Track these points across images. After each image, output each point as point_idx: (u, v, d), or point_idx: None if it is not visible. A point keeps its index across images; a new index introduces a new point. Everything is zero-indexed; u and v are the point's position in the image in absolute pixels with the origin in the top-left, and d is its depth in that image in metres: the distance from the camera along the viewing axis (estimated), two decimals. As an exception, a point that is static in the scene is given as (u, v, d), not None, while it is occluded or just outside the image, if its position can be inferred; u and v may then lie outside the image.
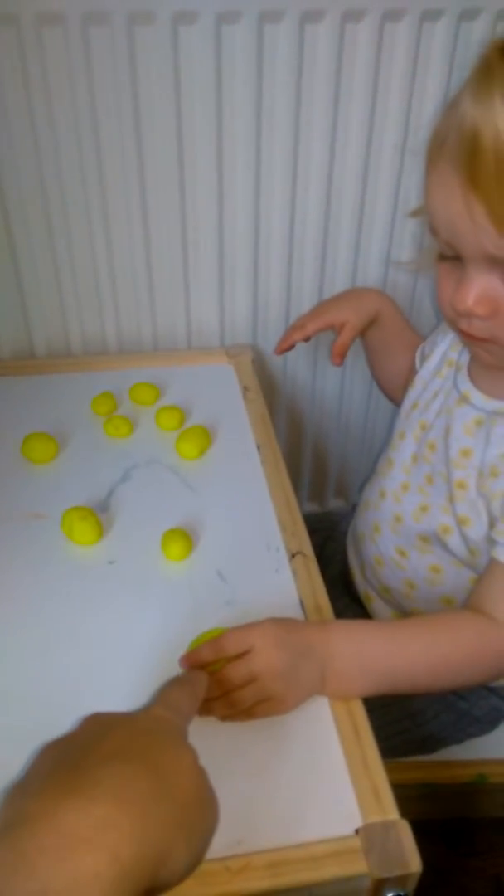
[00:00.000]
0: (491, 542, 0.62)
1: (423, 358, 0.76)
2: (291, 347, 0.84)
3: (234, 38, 0.77)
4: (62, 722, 0.52)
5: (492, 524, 0.63)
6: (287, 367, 1.05)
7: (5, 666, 0.57)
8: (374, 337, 0.85)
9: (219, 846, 0.45)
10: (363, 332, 0.84)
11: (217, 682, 0.52)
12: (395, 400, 0.86)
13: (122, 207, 0.86)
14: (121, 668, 0.57)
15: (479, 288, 0.54)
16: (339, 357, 0.81)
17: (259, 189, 0.88)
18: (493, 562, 0.61)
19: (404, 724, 0.74)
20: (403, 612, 0.75)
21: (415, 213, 0.79)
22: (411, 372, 0.78)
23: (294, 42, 0.78)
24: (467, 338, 0.59)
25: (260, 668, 0.52)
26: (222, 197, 0.88)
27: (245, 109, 0.82)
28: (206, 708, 0.51)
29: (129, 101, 0.79)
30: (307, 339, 0.84)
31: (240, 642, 0.53)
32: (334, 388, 1.09)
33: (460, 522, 0.66)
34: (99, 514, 0.68)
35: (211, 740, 0.51)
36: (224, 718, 0.53)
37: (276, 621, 0.54)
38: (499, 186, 0.47)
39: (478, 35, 0.82)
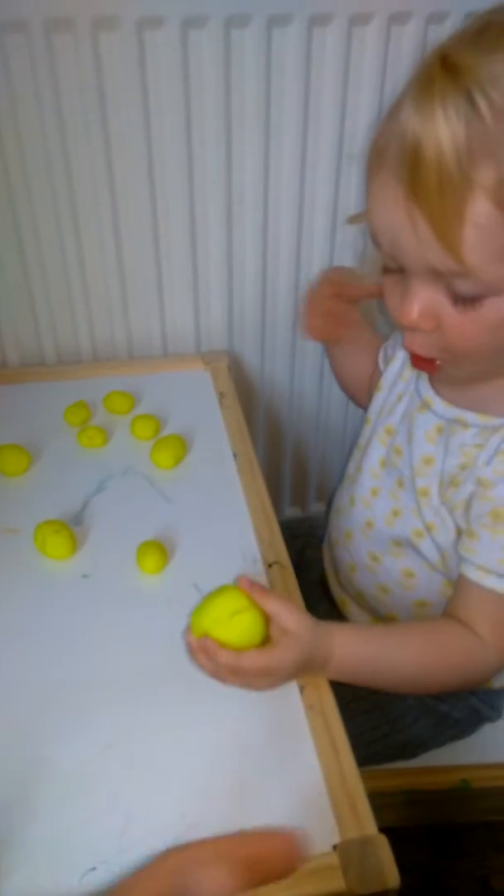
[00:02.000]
0: (459, 555, 0.62)
1: (387, 359, 0.75)
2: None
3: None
4: (33, 739, 0.52)
5: (458, 533, 0.63)
6: (265, 372, 1.04)
7: (-23, 686, 0.56)
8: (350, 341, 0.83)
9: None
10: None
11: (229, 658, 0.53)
12: (361, 403, 0.84)
13: (93, 213, 0.85)
14: (95, 683, 0.56)
15: (423, 301, 0.52)
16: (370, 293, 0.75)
17: (231, 193, 0.87)
18: (462, 578, 0.61)
19: (384, 729, 0.73)
20: (379, 617, 0.75)
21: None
22: (375, 374, 0.78)
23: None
24: (414, 361, 0.59)
25: (275, 665, 0.54)
26: (193, 202, 0.87)
27: (214, 114, 0.81)
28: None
29: (95, 104, 0.78)
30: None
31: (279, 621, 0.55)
32: (312, 391, 1.08)
33: (427, 528, 0.65)
34: (73, 527, 0.68)
35: (187, 758, 0.51)
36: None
37: (309, 626, 0.56)
38: (441, 200, 0.46)
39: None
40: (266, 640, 0.55)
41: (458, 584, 0.62)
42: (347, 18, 0.78)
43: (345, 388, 0.89)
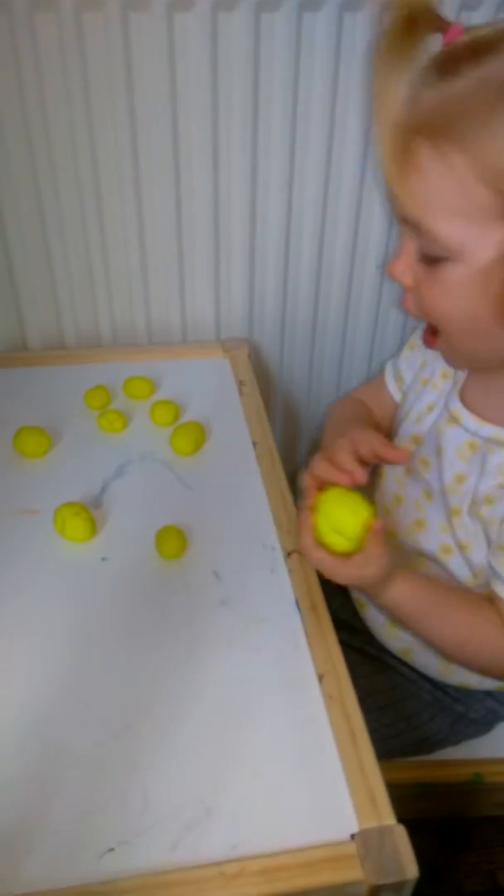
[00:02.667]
0: (492, 571, 0.61)
1: (400, 377, 0.77)
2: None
3: (231, 25, 0.76)
4: (52, 721, 0.52)
5: (491, 550, 0.62)
6: (283, 362, 1.04)
7: (-4, 665, 0.56)
8: None
9: (214, 851, 0.45)
10: None
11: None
12: None
13: (117, 198, 0.85)
14: (113, 666, 0.56)
15: (405, 256, 0.55)
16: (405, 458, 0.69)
17: (256, 181, 0.87)
18: (495, 595, 0.61)
19: (400, 726, 0.73)
20: (396, 623, 0.74)
21: None
22: (386, 401, 0.79)
23: (292, 31, 0.77)
24: (423, 336, 0.63)
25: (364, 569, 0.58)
26: (218, 188, 0.86)
27: (242, 100, 0.80)
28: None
29: (123, 89, 0.77)
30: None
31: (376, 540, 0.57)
32: (330, 382, 1.08)
33: (460, 547, 0.64)
34: (92, 510, 0.67)
35: (205, 743, 0.51)
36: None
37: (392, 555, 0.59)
38: (393, 145, 0.50)
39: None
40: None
41: (493, 602, 0.61)
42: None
43: None
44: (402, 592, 0.60)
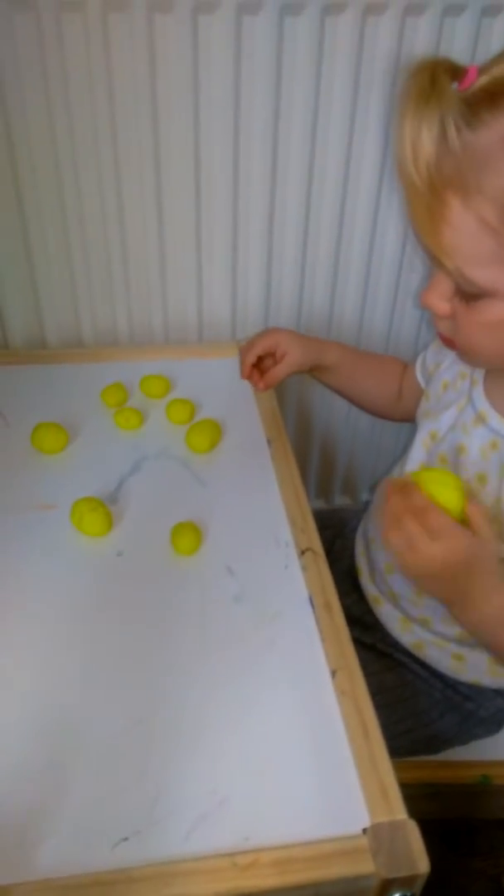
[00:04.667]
0: None
1: (426, 368, 0.77)
2: (254, 367, 0.85)
3: (255, 28, 0.76)
4: (66, 712, 0.53)
5: None
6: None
7: (12, 656, 0.57)
8: (339, 384, 0.88)
9: (226, 841, 0.45)
10: (322, 379, 0.88)
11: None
12: (390, 417, 0.90)
13: (137, 198, 0.86)
14: (127, 658, 0.56)
15: (439, 288, 0.57)
16: (266, 385, 0.84)
17: (274, 182, 0.88)
18: None
19: (409, 723, 0.73)
20: (411, 618, 0.74)
21: None
22: (411, 385, 0.81)
23: (314, 34, 0.78)
24: (443, 341, 0.62)
25: (451, 532, 0.54)
26: (237, 189, 0.87)
27: (262, 101, 0.81)
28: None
29: (147, 90, 0.78)
30: (258, 360, 0.85)
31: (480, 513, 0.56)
32: (344, 384, 1.08)
33: None
34: (108, 506, 0.68)
35: (218, 735, 0.51)
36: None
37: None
38: (421, 199, 0.51)
39: (500, 31, 0.81)
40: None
41: None
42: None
43: (367, 410, 0.92)
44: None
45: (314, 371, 0.87)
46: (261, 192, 0.88)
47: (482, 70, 0.50)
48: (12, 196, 0.83)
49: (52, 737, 0.51)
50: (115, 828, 0.46)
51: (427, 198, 0.51)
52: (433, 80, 0.49)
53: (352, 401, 0.91)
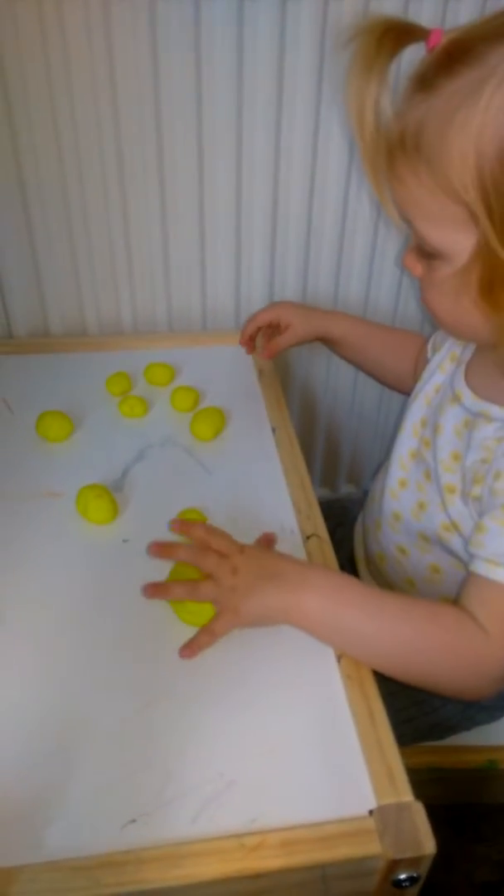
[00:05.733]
0: (469, 552, 0.59)
1: (435, 349, 0.76)
2: (253, 338, 0.88)
3: (257, 13, 0.76)
4: (74, 697, 0.53)
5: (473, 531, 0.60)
6: (302, 350, 1.04)
7: (20, 642, 0.57)
8: (351, 356, 0.89)
9: (233, 823, 0.45)
10: (334, 350, 0.90)
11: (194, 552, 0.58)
12: (404, 391, 0.87)
13: (140, 186, 0.86)
14: (134, 644, 0.57)
15: (413, 249, 0.58)
16: (270, 353, 0.86)
17: (277, 170, 0.87)
18: (470, 574, 0.58)
19: (411, 712, 0.73)
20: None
21: None
22: (413, 364, 0.81)
23: (317, 18, 0.77)
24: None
25: (237, 562, 0.56)
26: (240, 177, 0.87)
27: (265, 85, 0.81)
28: (164, 589, 0.57)
29: (149, 77, 0.78)
30: (258, 331, 0.88)
31: (221, 538, 0.58)
32: (348, 372, 1.08)
33: (455, 526, 0.64)
34: (114, 493, 0.68)
35: (226, 719, 0.51)
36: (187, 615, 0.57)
37: (258, 545, 0.60)
38: (374, 155, 0.53)
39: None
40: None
41: (465, 580, 0.59)
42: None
43: (387, 384, 0.91)
44: (321, 576, 0.57)
45: (325, 343, 0.88)
46: (264, 178, 0.88)
47: (448, 33, 0.49)
48: (15, 186, 0.83)
49: (59, 721, 0.52)
50: (123, 810, 0.47)
51: (380, 153, 0.53)
52: (379, 45, 0.49)
53: (367, 372, 0.92)
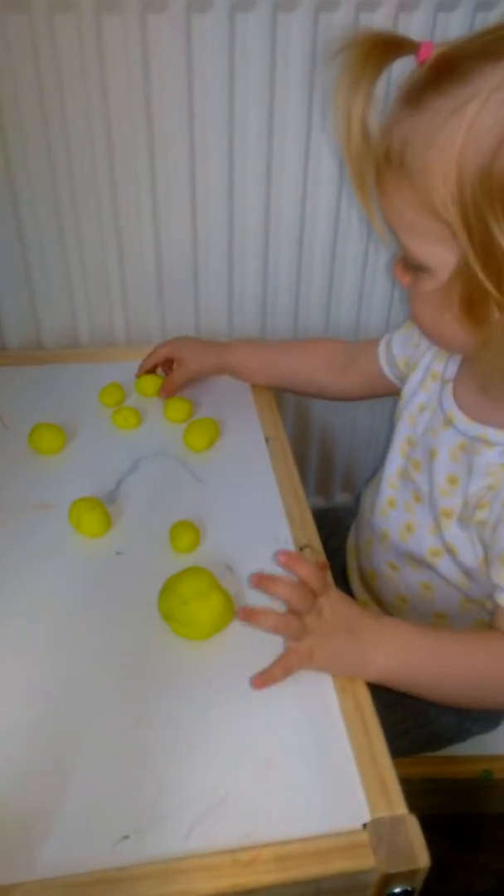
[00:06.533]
0: (494, 587, 0.60)
1: (392, 355, 0.77)
2: (151, 372, 0.86)
3: (248, 26, 0.76)
4: (66, 712, 0.53)
5: (487, 559, 0.61)
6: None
7: (12, 656, 0.57)
8: (264, 379, 0.87)
9: (227, 838, 0.45)
10: (244, 380, 0.87)
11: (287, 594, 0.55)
12: (338, 398, 0.88)
13: (133, 198, 0.86)
14: (127, 658, 0.56)
15: (401, 260, 0.58)
16: (165, 393, 0.84)
17: (270, 181, 0.88)
18: (499, 608, 0.59)
19: (407, 724, 0.73)
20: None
21: None
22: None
23: (308, 31, 0.78)
24: None
25: (323, 604, 0.54)
26: (233, 189, 0.87)
27: (258, 97, 0.81)
28: (254, 615, 0.54)
29: (141, 90, 0.78)
30: (155, 367, 0.87)
31: (320, 579, 0.55)
32: (342, 381, 1.08)
33: (448, 549, 0.64)
34: (107, 505, 0.68)
35: (219, 732, 0.51)
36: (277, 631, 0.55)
37: (343, 593, 0.57)
38: (359, 167, 0.54)
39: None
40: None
41: (497, 613, 0.59)
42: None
43: (317, 393, 0.89)
44: (394, 629, 0.57)
45: (230, 375, 0.86)
46: (256, 192, 0.88)
47: (439, 47, 0.49)
48: (7, 197, 0.83)
49: (52, 736, 0.52)
50: (116, 826, 0.46)
51: (363, 171, 0.53)
52: (366, 59, 0.49)
53: (297, 391, 0.90)
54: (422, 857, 0.44)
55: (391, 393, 0.80)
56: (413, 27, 0.80)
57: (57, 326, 0.95)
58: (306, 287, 0.98)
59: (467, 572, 0.64)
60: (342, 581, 0.84)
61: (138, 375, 0.86)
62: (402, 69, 0.51)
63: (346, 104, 0.50)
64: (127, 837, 0.46)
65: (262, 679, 0.53)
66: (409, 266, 0.56)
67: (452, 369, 0.68)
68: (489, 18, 0.80)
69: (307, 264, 0.96)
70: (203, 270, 0.93)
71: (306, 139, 0.85)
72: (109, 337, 0.97)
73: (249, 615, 0.54)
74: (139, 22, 0.74)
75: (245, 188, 0.87)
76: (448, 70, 0.48)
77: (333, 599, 0.56)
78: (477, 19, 0.80)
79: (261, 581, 0.54)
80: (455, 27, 0.80)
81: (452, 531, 0.64)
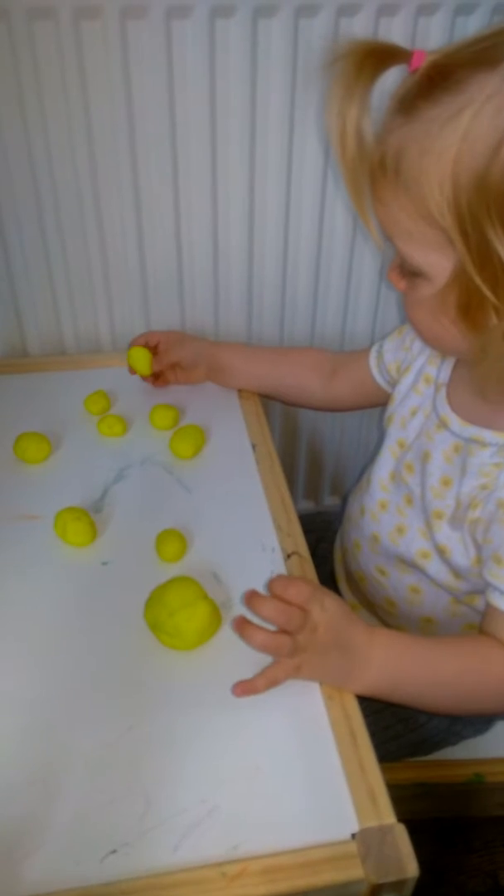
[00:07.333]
0: (488, 586, 0.60)
1: (383, 362, 0.77)
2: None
3: (228, 32, 0.76)
4: (54, 724, 0.52)
5: (478, 555, 0.61)
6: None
7: (-2, 669, 0.56)
8: (240, 384, 0.87)
9: (215, 851, 0.45)
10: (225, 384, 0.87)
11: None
12: (323, 408, 0.88)
13: (116, 204, 0.86)
14: (114, 668, 0.56)
15: (395, 264, 0.58)
16: (158, 364, 0.84)
17: (253, 187, 0.87)
18: (492, 607, 0.59)
19: (397, 728, 0.73)
20: (388, 626, 0.74)
21: None
22: (365, 380, 0.80)
23: (288, 37, 0.77)
24: None
25: (317, 620, 0.53)
26: (216, 194, 0.87)
27: (238, 103, 0.81)
28: (246, 630, 0.52)
29: (122, 96, 0.78)
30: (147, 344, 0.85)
31: (309, 594, 0.53)
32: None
33: (439, 551, 0.64)
34: (93, 515, 0.68)
35: (207, 743, 0.51)
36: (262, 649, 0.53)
37: (341, 602, 0.55)
38: (354, 176, 0.53)
39: (474, 30, 0.81)
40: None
41: (488, 612, 0.60)
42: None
43: (299, 402, 0.89)
44: (384, 643, 0.56)
45: (217, 376, 0.86)
46: (240, 196, 0.88)
47: (431, 55, 0.50)
48: (-10, 205, 0.83)
49: (38, 749, 0.51)
50: (103, 840, 0.46)
51: (358, 179, 0.53)
52: (360, 69, 0.49)
53: (281, 398, 0.89)
54: (410, 867, 0.44)
55: (378, 402, 0.80)
56: (393, 32, 0.80)
57: (42, 334, 0.94)
58: (291, 296, 0.98)
59: (457, 573, 0.64)
60: (331, 584, 0.84)
61: (132, 345, 0.85)
62: (394, 78, 0.51)
63: (340, 114, 0.50)
64: (115, 852, 0.46)
65: (244, 688, 0.53)
66: (406, 271, 0.56)
67: (446, 373, 0.68)
68: (469, 23, 0.81)
69: (292, 274, 0.96)
70: (188, 277, 0.93)
71: (289, 144, 0.85)
72: (95, 344, 0.97)
73: (242, 629, 0.53)
74: (119, 29, 0.73)
75: (228, 195, 0.87)
76: (441, 78, 0.48)
77: (331, 614, 0.53)
78: (457, 24, 0.80)
79: (248, 600, 0.53)
80: (435, 32, 0.80)
81: (444, 532, 0.64)
